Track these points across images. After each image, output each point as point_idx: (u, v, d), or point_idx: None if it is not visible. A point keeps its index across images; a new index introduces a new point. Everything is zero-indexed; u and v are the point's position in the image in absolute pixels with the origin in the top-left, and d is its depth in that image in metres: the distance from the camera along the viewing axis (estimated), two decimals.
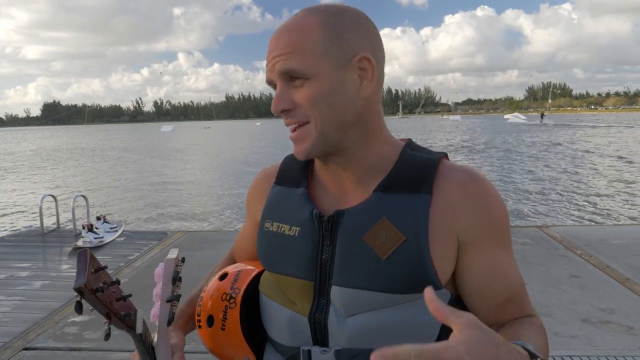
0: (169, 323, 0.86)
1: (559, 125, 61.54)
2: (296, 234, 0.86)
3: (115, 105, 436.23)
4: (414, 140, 0.93)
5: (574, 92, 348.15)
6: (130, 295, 0.84)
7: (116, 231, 6.89)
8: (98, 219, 7.08)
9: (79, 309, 0.74)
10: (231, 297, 0.94)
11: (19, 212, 13.07)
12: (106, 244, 6.38)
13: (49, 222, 7.92)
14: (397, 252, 0.78)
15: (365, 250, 0.80)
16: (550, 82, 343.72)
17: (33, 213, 12.24)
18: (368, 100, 0.83)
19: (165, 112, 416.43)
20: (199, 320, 0.99)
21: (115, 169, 23.90)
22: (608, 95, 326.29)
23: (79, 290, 0.73)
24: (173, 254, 0.88)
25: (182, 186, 16.78)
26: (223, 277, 1.00)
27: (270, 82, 0.85)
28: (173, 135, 72.29)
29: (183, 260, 0.90)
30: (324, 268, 0.83)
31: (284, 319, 0.88)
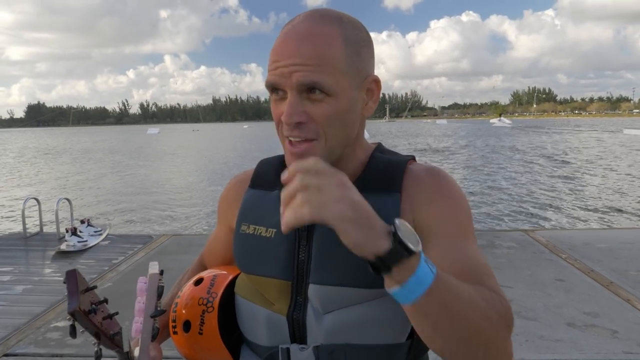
0: (153, 338, 0.85)
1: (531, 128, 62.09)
2: (272, 236, 0.88)
3: (101, 107, 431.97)
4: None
5: (558, 97, 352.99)
6: (116, 314, 0.85)
7: (100, 234, 6.80)
8: (82, 222, 6.99)
9: (73, 333, 0.74)
10: (208, 302, 0.95)
11: (0, 215, 12.85)
12: (90, 247, 6.28)
13: (32, 225, 7.80)
14: None
15: (341, 248, 0.78)
16: (535, 87, 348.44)
17: (14, 216, 12.04)
18: (365, 117, 0.86)
19: (152, 115, 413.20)
20: (174, 326, 0.98)
21: (100, 171, 23.64)
22: (592, 100, 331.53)
23: (73, 315, 0.73)
24: (154, 268, 0.88)
25: (167, 189, 16.67)
26: (198, 282, 1.00)
27: (274, 87, 0.80)
28: (160, 138, 71.81)
29: (162, 273, 0.90)
30: (300, 267, 0.85)
31: (261, 319, 0.89)
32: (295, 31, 0.78)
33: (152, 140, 60.71)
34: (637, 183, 16.05)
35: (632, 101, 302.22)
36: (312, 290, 0.84)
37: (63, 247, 6.10)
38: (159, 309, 0.85)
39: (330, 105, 0.77)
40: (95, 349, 0.79)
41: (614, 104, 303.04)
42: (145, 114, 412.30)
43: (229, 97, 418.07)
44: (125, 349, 0.83)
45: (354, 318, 0.82)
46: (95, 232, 6.85)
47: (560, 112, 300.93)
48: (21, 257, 6.04)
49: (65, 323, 3.91)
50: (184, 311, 0.97)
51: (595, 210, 11.80)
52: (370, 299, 0.82)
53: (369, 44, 0.83)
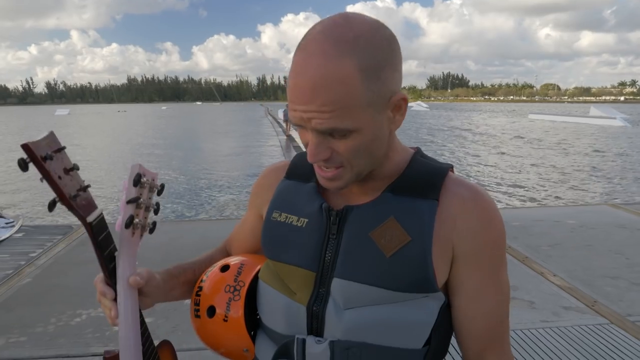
0: (127, 226, 0.86)
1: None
2: (304, 225, 0.89)
3: (1, 86, 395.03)
4: None
5: (470, 83, 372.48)
6: (88, 186, 0.84)
7: (13, 226, 6.29)
8: None
9: (23, 165, 0.72)
10: (235, 290, 0.96)
11: None
12: (2, 241, 5.80)
13: None
14: (401, 251, 0.81)
15: (371, 246, 0.83)
16: (449, 73, 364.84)
17: None
18: (394, 130, 0.85)
19: (60, 94, 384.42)
20: (198, 310, 0.99)
21: (6, 155, 21.73)
22: (500, 86, 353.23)
23: (24, 147, 0.72)
24: (136, 164, 0.89)
25: (88, 174, 15.69)
26: (224, 268, 1.01)
27: (296, 124, 0.79)
28: (71, 120, 67.01)
29: (162, 186, 0.92)
30: (327, 260, 0.86)
31: (281, 306, 0.90)
32: (309, 71, 0.72)
33: (69, 123, 56.50)
34: (542, 165, 17.43)
35: (534, 88, 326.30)
36: (336, 284, 0.84)
37: None
38: (137, 195, 0.86)
39: (355, 140, 0.76)
40: (50, 201, 0.77)
41: (519, 90, 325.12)
42: (52, 94, 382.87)
43: (145, 77, 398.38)
44: (90, 219, 0.81)
45: (375, 318, 0.82)
46: (6, 224, 6.33)
47: (472, 97, 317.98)
48: None
49: None
50: (209, 296, 0.97)
51: (506, 191, 12.69)
52: (393, 302, 0.82)
53: (391, 59, 0.76)
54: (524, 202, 11.33)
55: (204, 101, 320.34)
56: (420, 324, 0.83)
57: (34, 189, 13.16)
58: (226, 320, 0.95)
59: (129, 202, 0.85)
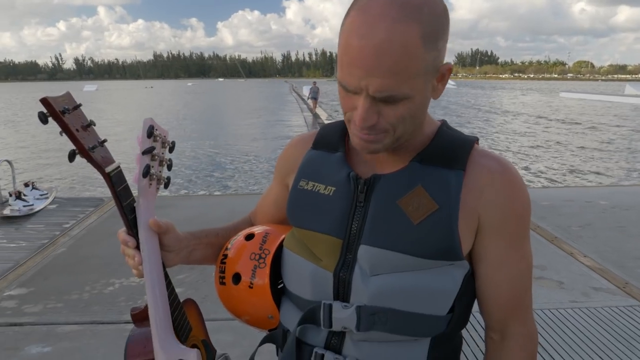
0: (145, 175, 0.88)
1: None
2: (331, 194, 0.90)
3: (31, 62, 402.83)
4: None
5: (499, 60, 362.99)
6: (105, 140, 0.87)
7: (47, 198, 6.48)
8: (26, 185, 6.62)
9: (43, 118, 0.77)
10: (260, 257, 0.97)
11: None
12: (37, 212, 5.99)
13: None
14: (428, 219, 0.82)
15: (398, 214, 0.83)
16: (477, 50, 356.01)
17: None
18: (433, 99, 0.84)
19: (88, 70, 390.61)
20: (223, 277, 1.00)
21: (39, 129, 22.28)
22: (531, 63, 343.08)
23: (43, 100, 0.76)
24: (149, 118, 0.92)
25: (117, 149, 15.98)
26: (249, 237, 1.01)
27: (349, 89, 0.76)
28: (101, 95, 68.11)
29: (173, 144, 0.95)
30: (354, 228, 0.86)
31: (307, 273, 0.90)
32: (374, 34, 0.70)
33: (97, 99, 57.46)
34: (576, 144, 17.00)
35: (567, 65, 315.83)
36: (363, 251, 0.84)
37: (7, 211, 5.78)
38: (151, 145, 0.89)
39: (405, 107, 0.76)
40: (69, 152, 0.80)
41: (551, 68, 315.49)
42: (80, 70, 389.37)
43: (171, 53, 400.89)
44: (108, 169, 0.84)
45: (401, 284, 0.83)
46: (41, 195, 6.52)
47: (501, 74, 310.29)
48: None
49: (20, 291, 3.77)
50: (234, 263, 0.99)
51: (536, 170, 12.44)
52: (420, 269, 0.83)
53: (446, 28, 0.77)
54: (553, 182, 11.11)
55: (228, 77, 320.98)
56: (445, 292, 0.84)
57: (65, 163, 13.49)
58: (251, 287, 0.96)
59: (144, 152, 0.88)
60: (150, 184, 0.90)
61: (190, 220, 5.31)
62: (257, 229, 1.04)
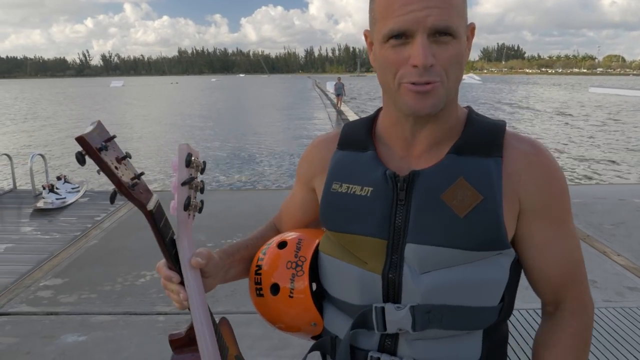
0: (186, 207, 0.84)
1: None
2: (368, 194, 0.88)
3: (60, 58, 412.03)
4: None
5: (526, 54, 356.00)
6: (142, 173, 0.82)
7: (78, 191, 6.64)
8: (58, 178, 6.79)
9: (80, 159, 0.72)
10: (297, 265, 0.95)
11: None
12: (69, 204, 6.14)
13: (3, 182, 7.52)
14: (474, 210, 0.81)
15: (443, 208, 0.82)
16: (503, 44, 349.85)
17: None
18: None
19: (115, 66, 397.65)
20: (260, 289, 0.97)
21: (69, 123, 22.81)
22: (559, 58, 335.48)
23: (79, 139, 0.70)
24: (185, 144, 0.87)
25: (145, 144, 16.25)
26: (282, 245, 0.99)
27: (401, 33, 0.77)
28: (127, 90, 69.22)
29: (204, 164, 0.89)
30: (398, 227, 0.85)
31: (353, 277, 0.89)
32: None
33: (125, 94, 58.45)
34: (604, 140, 16.59)
35: (596, 59, 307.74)
36: (410, 249, 0.83)
37: (40, 204, 5.94)
38: (190, 176, 0.85)
39: (455, 48, 0.78)
40: (111, 193, 0.76)
41: (579, 62, 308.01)
42: (107, 66, 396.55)
43: (195, 49, 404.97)
44: (150, 207, 0.80)
45: (453, 279, 0.82)
46: (72, 188, 6.68)
47: (527, 69, 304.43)
48: None
49: (55, 282, 3.87)
50: (270, 274, 0.96)
51: (567, 167, 12.19)
52: (469, 261, 0.82)
53: None
54: (586, 179, 10.86)
55: (252, 73, 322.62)
56: (496, 282, 0.84)
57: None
58: (292, 297, 0.93)
59: (183, 184, 0.84)
60: (189, 215, 0.87)
61: (216, 215, 5.37)
62: (288, 236, 1.02)
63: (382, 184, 0.87)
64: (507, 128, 0.89)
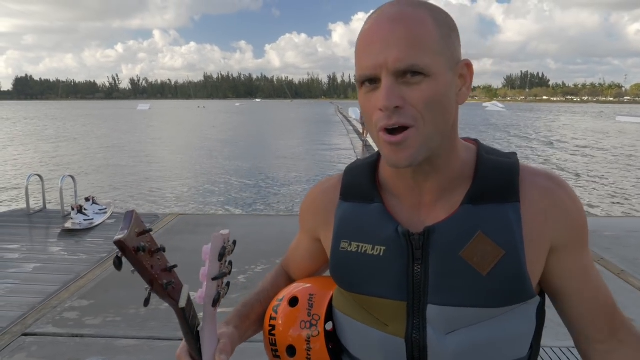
0: (214, 304, 0.82)
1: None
2: (381, 254, 0.83)
3: (90, 82, 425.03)
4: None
5: (550, 82, 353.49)
6: (175, 266, 0.81)
7: (105, 213, 6.74)
8: (87, 199, 6.90)
9: (118, 264, 0.70)
10: (312, 325, 0.91)
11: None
12: (96, 226, 6.23)
13: (33, 202, 7.69)
14: (497, 267, 0.77)
15: (464, 267, 0.78)
16: (527, 72, 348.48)
17: (12, 191, 11.89)
18: (458, 106, 0.82)
19: (142, 90, 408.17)
20: (276, 351, 0.95)
21: (98, 147, 23.36)
22: (584, 86, 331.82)
23: (118, 244, 0.69)
24: (224, 232, 0.83)
25: (169, 166, 16.50)
26: (293, 302, 0.96)
27: (367, 78, 0.75)
28: (155, 114, 70.74)
29: (234, 243, 0.85)
30: (417, 287, 0.81)
31: (375, 341, 0.85)
32: (386, 16, 0.74)
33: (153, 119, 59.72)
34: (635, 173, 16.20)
35: (623, 88, 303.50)
36: (433, 311, 0.80)
37: (69, 225, 6.04)
38: (222, 271, 0.82)
39: (429, 87, 0.73)
40: (147, 292, 0.75)
41: (606, 90, 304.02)
42: (135, 89, 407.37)
43: (221, 74, 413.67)
44: (182, 304, 0.79)
45: (479, 337, 0.79)
46: (100, 210, 6.78)
47: (552, 97, 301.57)
48: (26, 235, 5.98)
49: (82, 303, 3.89)
50: (285, 335, 0.93)
51: (597, 199, 11.91)
52: (494, 316, 0.79)
53: (457, 31, 0.80)
54: (618, 212, 10.58)
55: (275, 98, 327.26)
56: (523, 334, 0.81)
57: (124, 180, 14.04)
58: (309, 358, 0.91)
59: (214, 279, 0.81)
60: (216, 308, 0.84)
61: (238, 240, 5.34)
62: (298, 290, 0.98)
63: (395, 242, 0.82)
64: (520, 162, 0.85)
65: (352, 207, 0.89)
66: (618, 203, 11.40)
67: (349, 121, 39.25)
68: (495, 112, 78.02)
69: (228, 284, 0.86)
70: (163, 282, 0.76)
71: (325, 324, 0.92)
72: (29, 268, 4.71)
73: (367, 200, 0.87)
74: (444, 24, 0.76)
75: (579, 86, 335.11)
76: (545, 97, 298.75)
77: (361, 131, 22.24)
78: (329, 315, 0.94)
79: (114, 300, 3.93)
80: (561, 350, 3.15)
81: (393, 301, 0.82)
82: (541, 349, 3.02)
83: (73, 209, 6.46)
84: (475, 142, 0.89)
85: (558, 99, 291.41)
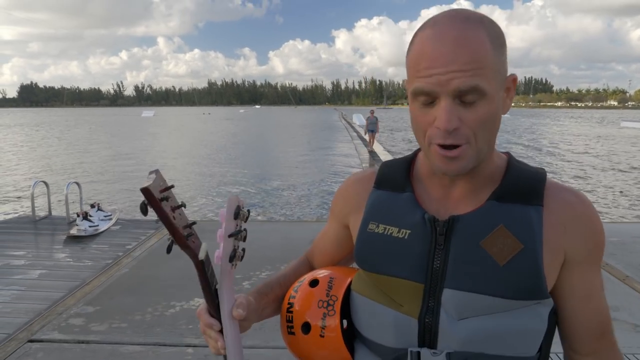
0: (231, 259, 0.86)
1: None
2: (406, 237, 0.87)
3: (95, 89, 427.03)
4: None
5: (554, 88, 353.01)
6: (194, 223, 0.85)
7: (110, 219, 6.77)
8: (92, 206, 6.95)
9: (144, 209, 0.75)
10: (329, 305, 0.94)
11: (4, 198, 12.74)
12: (101, 232, 6.26)
13: (38, 208, 7.73)
14: (514, 259, 0.80)
15: (483, 256, 0.82)
16: (531, 77, 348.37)
17: (18, 198, 11.95)
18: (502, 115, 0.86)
19: (146, 97, 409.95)
20: (292, 327, 0.98)
21: (100, 154, 23.46)
22: (588, 91, 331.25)
23: (145, 191, 0.73)
24: (235, 196, 0.89)
25: (172, 173, 16.56)
26: (314, 283, 0.99)
27: (426, 94, 0.78)
28: (157, 120, 71.06)
29: (249, 212, 0.91)
30: (435, 271, 0.84)
31: (388, 320, 0.88)
32: (447, 36, 0.76)
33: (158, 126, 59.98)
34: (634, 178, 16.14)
35: (627, 93, 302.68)
36: (448, 295, 0.83)
37: (74, 231, 6.07)
38: (238, 229, 0.86)
39: (484, 108, 0.77)
40: (168, 242, 0.80)
41: (610, 96, 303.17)
42: (139, 96, 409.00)
43: (225, 81, 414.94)
44: (201, 256, 0.83)
45: (491, 328, 0.81)
46: (105, 216, 6.82)
47: (556, 102, 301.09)
48: (31, 241, 6.01)
49: (87, 309, 3.91)
50: (302, 312, 0.96)
51: (603, 205, 11.87)
52: (507, 310, 0.81)
53: (506, 44, 0.82)
54: (623, 217, 10.53)
55: (279, 105, 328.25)
56: (535, 332, 0.83)
57: (119, 181, 14.09)
58: (323, 337, 0.93)
59: (230, 235, 0.85)
60: (232, 265, 0.88)
61: (246, 245, 5.37)
62: (320, 274, 1.02)
63: (421, 227, 0.86)
64: (547, 177, 0.89)
65: (384, 195, 0.94)
66: (630, 208, 11.34)
67: (352, 127, 39.29)
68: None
69: (244, 250, 0.91)
70: (184, 234, 0.80)
71: (342, 314, 0.94)
72: (35, 274, 4.74)
73: (399, 189, 0.93)
74: (497, 40, 0.79)
75: (583, 91, 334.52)
76: (549, 103, 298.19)
77: (367, 139, 21.15)
78: (347, 301, 0.97)
79: (120, 307, 3.95)
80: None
81: (411, 282, 0.85)
82: (553, 355, 3.03)
83: (78, 216, 6.51)
84: (507, 153, 0.95)
85: (562, 104, 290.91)
